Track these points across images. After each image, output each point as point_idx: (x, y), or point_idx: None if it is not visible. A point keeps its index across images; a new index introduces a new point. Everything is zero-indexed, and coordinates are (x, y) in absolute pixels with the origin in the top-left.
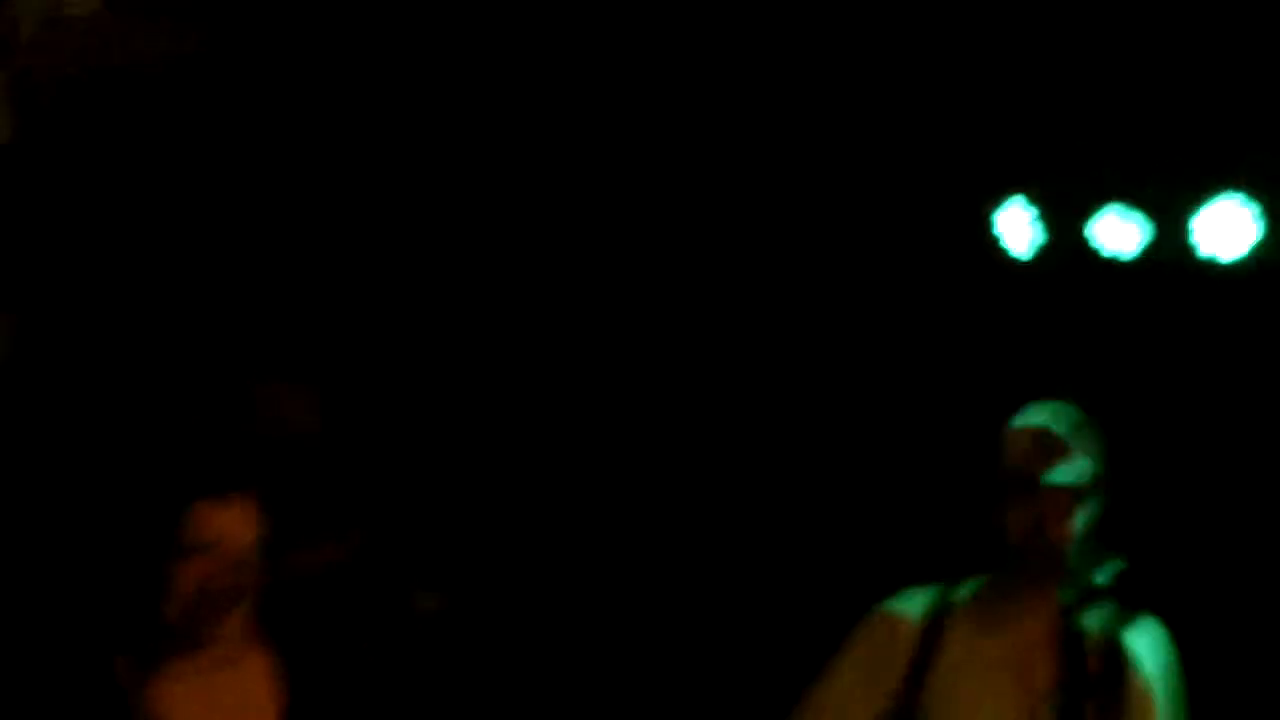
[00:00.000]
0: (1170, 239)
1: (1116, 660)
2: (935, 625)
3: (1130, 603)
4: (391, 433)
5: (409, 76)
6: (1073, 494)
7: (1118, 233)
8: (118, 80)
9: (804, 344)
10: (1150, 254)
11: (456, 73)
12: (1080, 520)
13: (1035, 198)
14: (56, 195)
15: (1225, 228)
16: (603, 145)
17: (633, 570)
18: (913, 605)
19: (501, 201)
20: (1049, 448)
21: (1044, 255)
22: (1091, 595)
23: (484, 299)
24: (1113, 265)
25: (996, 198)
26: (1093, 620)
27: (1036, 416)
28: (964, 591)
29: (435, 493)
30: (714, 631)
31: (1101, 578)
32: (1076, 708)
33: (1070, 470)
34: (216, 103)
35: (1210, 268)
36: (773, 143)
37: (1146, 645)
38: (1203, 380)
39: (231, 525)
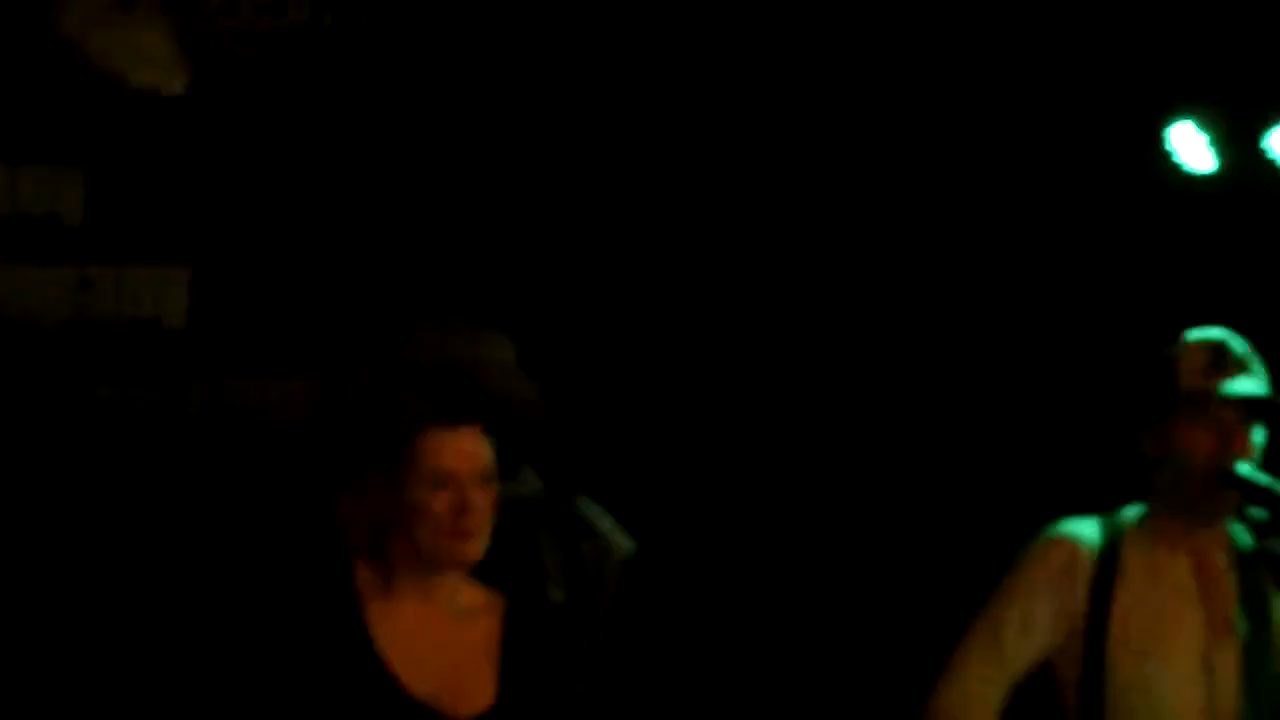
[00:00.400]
0: None
1: None
2: (1110, 550)
3: None
4: None
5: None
6: (1252, 408)
7: None
8: (288, 36)
9: (972, 265)
10: None
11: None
12: (1258, 437)
13: (1209, 113)
14: (228, 148)
15: None
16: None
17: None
18: (1084, 529)
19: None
20: (1226, 362)
21: (1220, 171)
22: (1276, 517)
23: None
24: None
25: (1169, 113)
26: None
27: (1210, 333)
28: (1128, 518)
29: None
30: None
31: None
32: (1261, 624)
33: (1250, 383)
34: (387, 62)
35: None
36: (938, 46)
37: None
38: None
39: (464, 454)
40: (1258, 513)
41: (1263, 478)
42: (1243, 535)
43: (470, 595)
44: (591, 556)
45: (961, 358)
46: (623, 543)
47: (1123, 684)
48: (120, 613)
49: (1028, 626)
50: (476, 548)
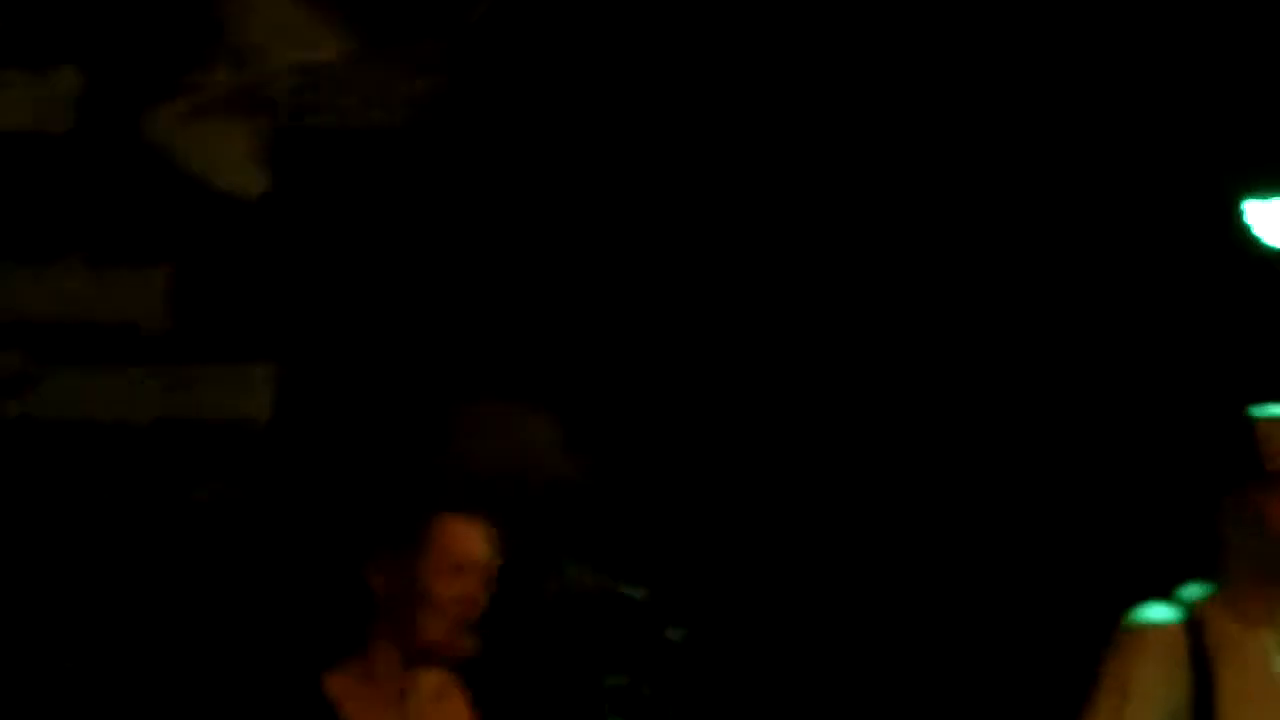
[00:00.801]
0: None
1: None
2: (1197, 634)
3: None
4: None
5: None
6: None
7: None
8: (367, 132)
9: (1054, 332)
10: None
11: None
12: None
13: None
14: (309, 246)
15: None
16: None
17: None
18: (1166, 615)
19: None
20: None
21: None
22: None
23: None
24: None
25: (1248, 189)
26: None
27: None
28: (1198, 598)
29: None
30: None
31: None
32: None
33: None
34: (460, 152)
35: None
36: (1021, 119)
37: None
38: None
39: (482, 544)
40: None
41: None
42: None
43: (437, 678)
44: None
45: (1043, 423)
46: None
47: None
48: None
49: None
50: (473, 643)
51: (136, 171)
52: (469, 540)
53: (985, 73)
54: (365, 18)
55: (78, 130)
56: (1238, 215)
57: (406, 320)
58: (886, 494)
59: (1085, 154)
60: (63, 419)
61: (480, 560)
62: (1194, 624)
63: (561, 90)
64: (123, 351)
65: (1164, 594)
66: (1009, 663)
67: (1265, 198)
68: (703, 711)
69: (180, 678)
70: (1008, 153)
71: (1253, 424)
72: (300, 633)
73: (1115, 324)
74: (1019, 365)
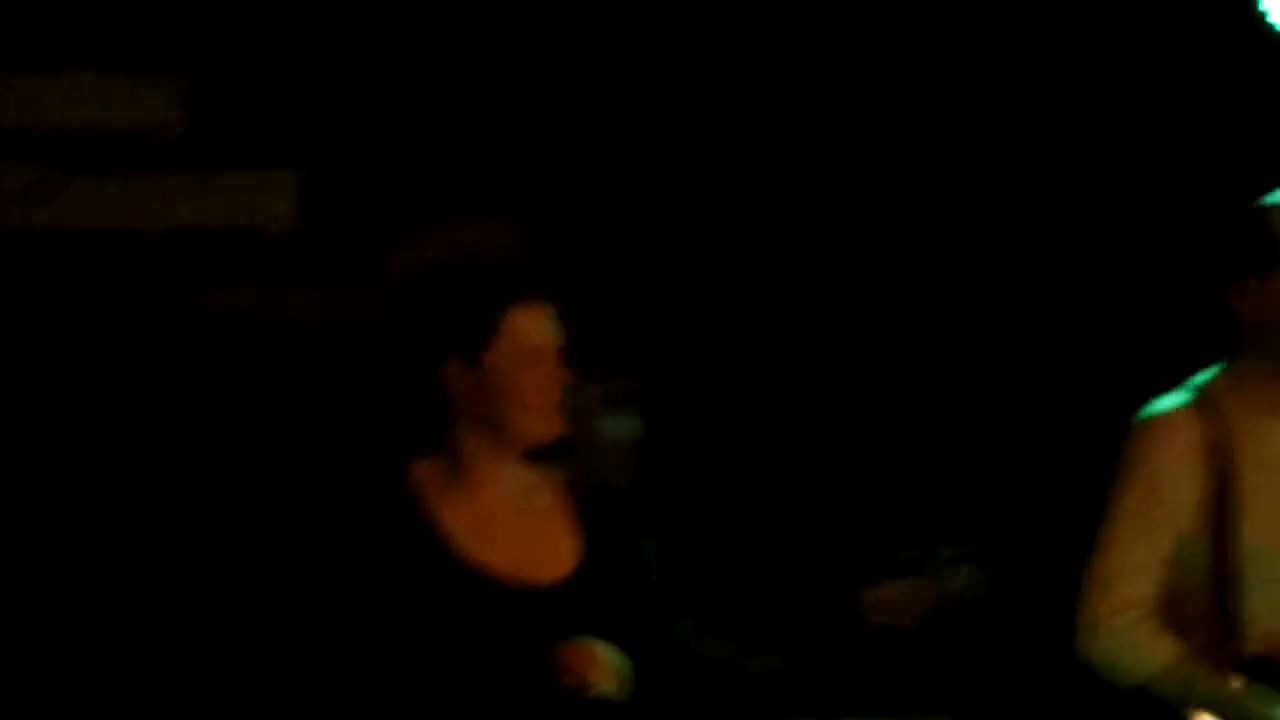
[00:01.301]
0: None
1: None
2: (1211, 416)
3: None
4: None
5: None
6: None
7: None
8: None
9: (1062, 119)
10: None
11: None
12: None
13: None
14: (331, 48)
15: None
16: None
17: None
18: (1177, 402)
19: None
20: None
21: None
22: None
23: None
24: None
25: None
26: None
27: None
28: (1214, 385)
29: None
30: None
31: None
32: None
33: None
34: None
35: None
36: None
37: None
38: None
39: (551, 328)
40: None
41: None
42: None
43: (530, 472)
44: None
45: (1052, 215)
46: (628, 425)
47: (1255, 554)
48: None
49: (1174, 511)
50: (561, 423)
51: None
52: (539, 327)
53: None
54: None
55: None
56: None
57: (424, 121)
58: (890, 272)
59: None
60: (82, 229)
61: (552, 344)
62: (1208, 411)
63: None
64: (141, 159)
65: (1177, 383)
66: (1028, 458)
67: None
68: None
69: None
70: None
71: (1264, 212)
72: (375, 432)
73: (1129, 117)
74: (1034, 151)
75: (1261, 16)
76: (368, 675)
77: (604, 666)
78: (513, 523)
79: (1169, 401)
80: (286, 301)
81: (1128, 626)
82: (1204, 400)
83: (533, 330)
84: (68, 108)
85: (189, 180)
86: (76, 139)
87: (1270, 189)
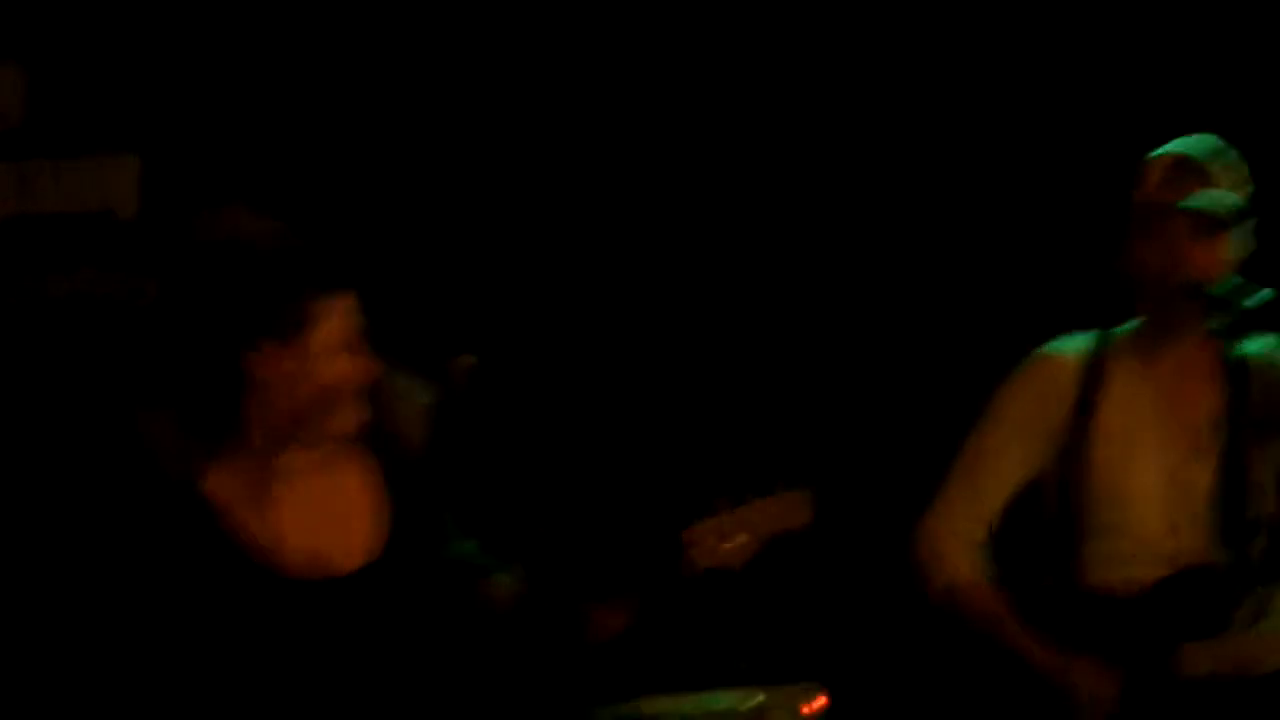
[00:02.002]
0: None
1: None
2: (1096, 364)
3: None
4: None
5: None
6: (1211, 222)
7: None
8: None
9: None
10: None
11: None
12: (1223, 252)
13: None
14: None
15: None
16: None
17: None
18: (1072, 345)
19: None
20: (1185, 176)
21: None
22: (1244, 325)
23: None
24: None
25: None
26: (1252, 347)
27: (1173, 146)
28: (1122, 331)
29: None
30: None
31: (1250, 304)
32: (1239, 434)
33: (1209, 197)
34: None
35: None
36: None
37: None
38: None
39: (357, 316)
40: (1213, 322)
41: (1221, 289)
42: (1234, 347)
43: (333, 459)
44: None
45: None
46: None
47: (1098, 495)
48: None
49: (1012, 456)
50: (364, 415)
51: None
52: (345, 318)
53: None
54: None
55: None
56: None
57: (269, 110)
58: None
59: None
60: None
61: (356, 335)
62: (1099, 357)
63: None
64: None
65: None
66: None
67: None
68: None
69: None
70: None
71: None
72: (176, 421)
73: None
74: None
75: None
76: (164, 684)
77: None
78: (314, 512)
79: (1064, 342)
80: (127, 285)
81: (946, 542)
82: (1096, 352)
83: (338, 320)
84: None
85: (36, 166)
86: None
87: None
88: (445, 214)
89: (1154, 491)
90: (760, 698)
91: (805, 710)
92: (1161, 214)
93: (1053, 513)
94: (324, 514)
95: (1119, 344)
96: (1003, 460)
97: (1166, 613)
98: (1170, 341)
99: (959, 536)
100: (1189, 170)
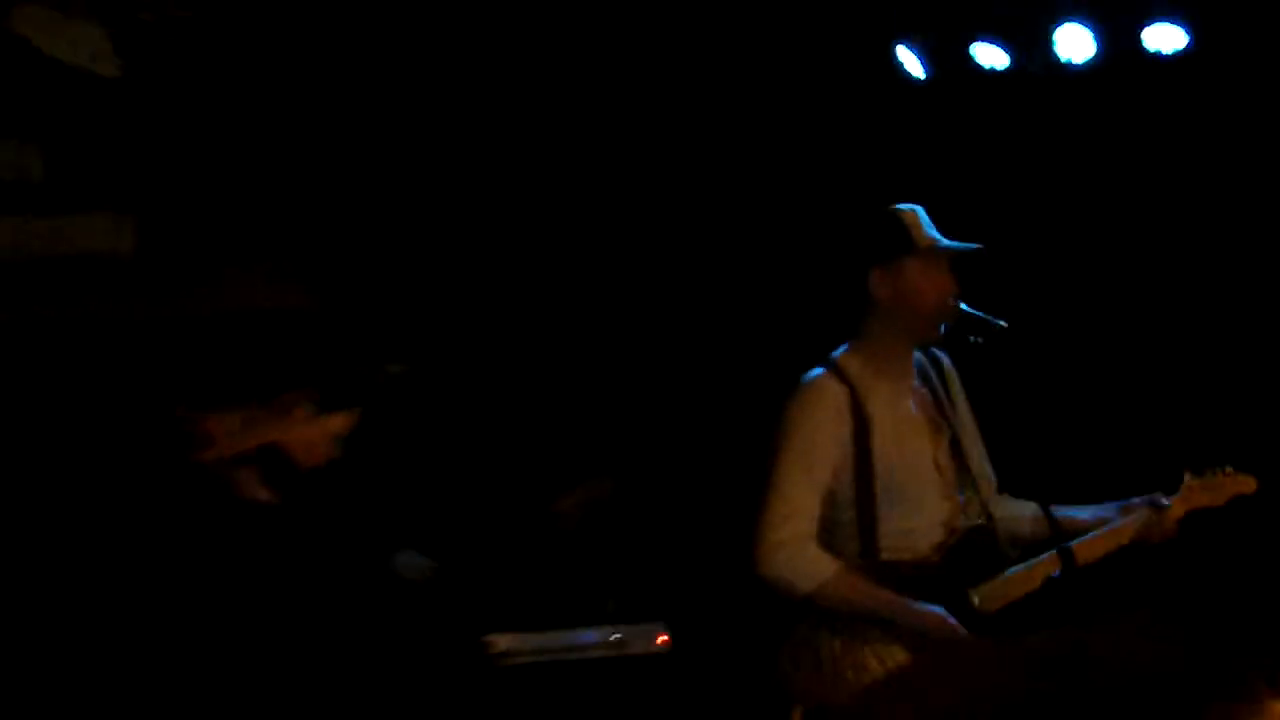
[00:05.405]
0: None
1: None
2: (850, 384)
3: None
4: None
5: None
6: (962, 258)
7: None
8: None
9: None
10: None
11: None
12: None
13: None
14: (157, 115)
15: None
16: None
17: None
18: (821, 373)
19: None
20: (932, 225)
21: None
22: (960, 336)
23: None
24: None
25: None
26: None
27: (909, 205)
28: (845, 358)
29: None
30: None
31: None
32: (955, 424)
33: (952, 241)
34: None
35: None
36: None
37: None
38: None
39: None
40: (974, 338)
41: (977, 311)
42: (917, 358)
43: None
44: None
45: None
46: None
47: (885, 487)
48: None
49: (826, 460)
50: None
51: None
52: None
53: None
54: None
55: None
56: (889, 56)
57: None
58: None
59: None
60: None
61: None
62: (844, 379)
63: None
64: (10, 204)
65: (818, 358)
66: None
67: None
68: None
69: None
70: None
71: (897, 214)
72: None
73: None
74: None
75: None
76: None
77: None
78: None
79: (815, 373)
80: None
81: (796, 550)
82: (839, 371)
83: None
84: None
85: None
86: None
87: (895, 200)
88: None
89: (925, 474)
90: (619, 634)
91: (658, 642)
92: (936, 253)
93: (849, 505)
94: None
95: (850, 366)
96: (817, 468)
97: (954, 569)
98: (901, 353)
99: (801, 539)
100: (930, 221)
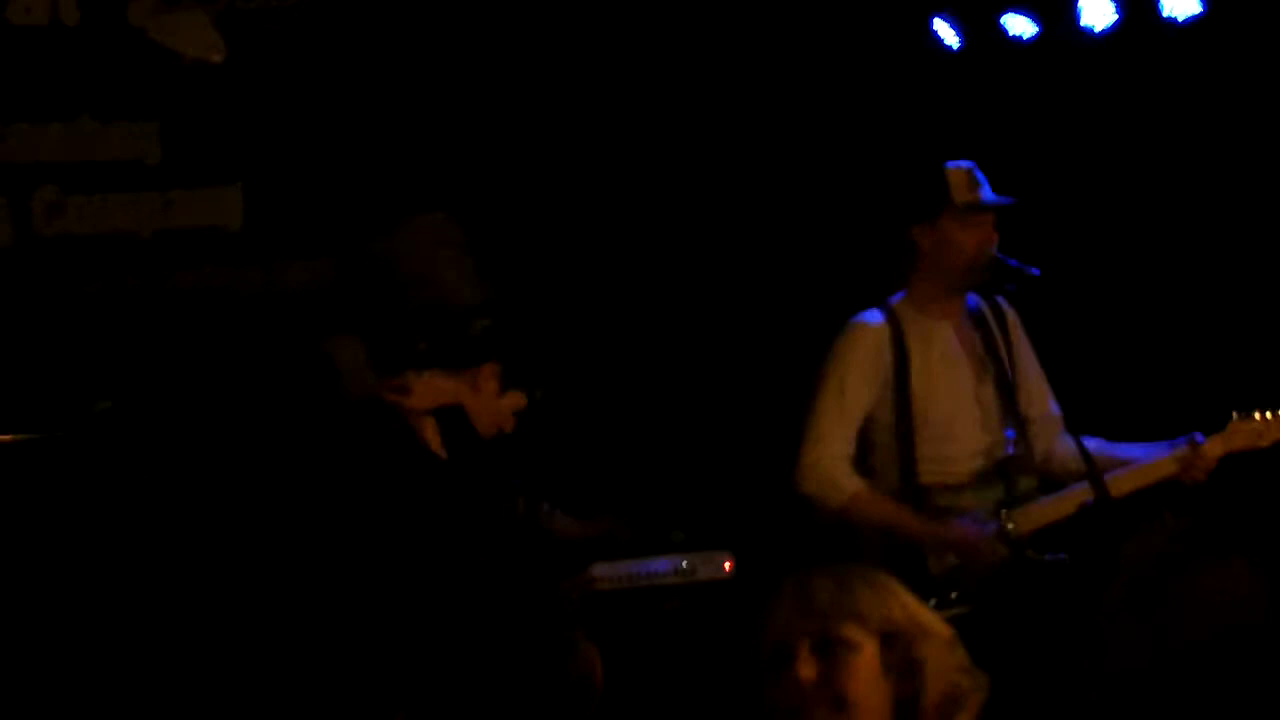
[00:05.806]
0: None
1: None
2: (896, 327)
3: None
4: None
5: None
6: (1001, 212)
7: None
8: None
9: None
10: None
11: None
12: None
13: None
14: (261, 98)
15: None
16: None
17: None
18: (873, 316)
19: None
20: (978, 181)
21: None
22: (1000, 285)
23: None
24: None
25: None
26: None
27: (960, 161)
28: (896, 302)
29: None
30: None
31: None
32: (1002, 366)
33: (993, 194)
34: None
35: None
36: None
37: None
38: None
39: None
40: (1010, 285)
41: (1012, 261)
42: (970, 301)
43: None
44: None
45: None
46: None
47: (923, 417)
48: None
49: (860, 393)
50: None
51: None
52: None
53: None
54: None
55: (83, 21)
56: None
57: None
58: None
59: None
60: (86, 234)
61: None
62: (893, 320)
63: None
64: (128, 181)
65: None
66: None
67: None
68: None
69: None
70: None
71: (939, 172)
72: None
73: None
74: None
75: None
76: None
77: None
78: None
79: (862, 314)
80: (239, 279)
81: (827, 470)
82: (890, 312)
83: None
84: (72, 147)
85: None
86: (79, 169)
87: (937, 160)
88: None
89: (964, 406)
90: (688, 562)
91: (725, 569)
92: (975, 208)
93: (891, 433)
94: None
95: (901, 309)
96: (849, 399)
97: (987, 496)
98: (944, 298)
99: (838, 459)
100: (979, 177)
